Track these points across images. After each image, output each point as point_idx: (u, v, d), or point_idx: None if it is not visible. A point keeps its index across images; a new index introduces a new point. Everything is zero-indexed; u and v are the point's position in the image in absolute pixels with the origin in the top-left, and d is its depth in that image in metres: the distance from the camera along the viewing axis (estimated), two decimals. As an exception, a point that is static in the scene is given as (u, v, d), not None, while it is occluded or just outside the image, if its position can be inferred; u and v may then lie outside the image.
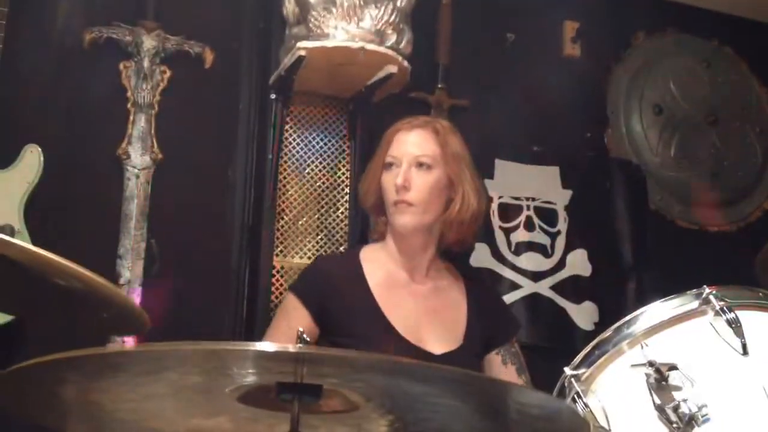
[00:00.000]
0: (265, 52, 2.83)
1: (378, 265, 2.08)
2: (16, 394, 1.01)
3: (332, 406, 1.10)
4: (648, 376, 1.24)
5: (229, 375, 1.01)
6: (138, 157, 2.71)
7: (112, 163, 2.68)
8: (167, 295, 2.60)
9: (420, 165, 2.05)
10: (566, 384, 1.36)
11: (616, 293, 3.22)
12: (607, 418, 1.30)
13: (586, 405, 1.30)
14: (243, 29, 2.89)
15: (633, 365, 1.27)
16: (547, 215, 3.19)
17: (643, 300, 3.13)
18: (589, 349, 1.38)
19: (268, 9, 2.82)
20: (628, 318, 1.35)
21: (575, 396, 1.32)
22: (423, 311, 2.04)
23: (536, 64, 3.24)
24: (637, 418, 1.28)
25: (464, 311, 2.09)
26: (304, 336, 1.06)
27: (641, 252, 3.27)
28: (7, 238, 1.35)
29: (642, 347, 1.28)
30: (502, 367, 2.08)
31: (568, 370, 1.37)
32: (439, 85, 3.09)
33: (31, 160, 2.49)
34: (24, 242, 2.05)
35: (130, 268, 2.61)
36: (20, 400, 1.04)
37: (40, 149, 2.51)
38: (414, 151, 2.06)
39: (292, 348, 0.92)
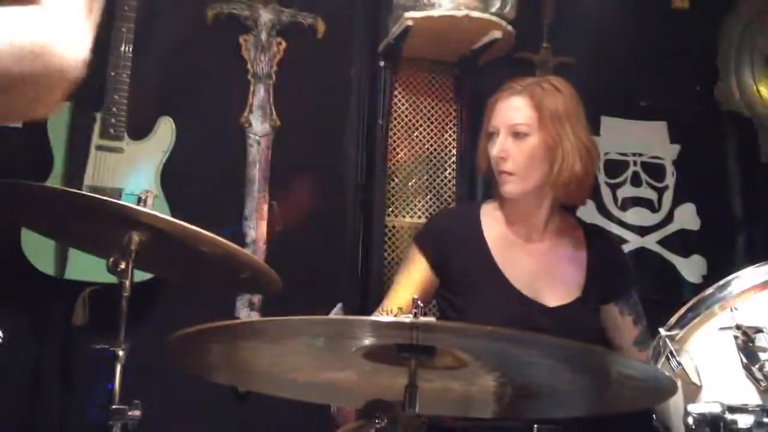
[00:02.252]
0: (374, 21, 2.94)
1: (496, 222, 2.18)
2: (183, 354, 1.21)
3: (445, 363, 1.25)
4: (736, 338, 1.33)
5: (354, 339, 1.17)
6: (258, 125, 2.90)
7: (235, 131, 2.89)
8: (288, 252, 2.81)
9: (516, 134, 2.09)
10: (661, 343, 1.46)
11: (726, 247, 3.22)
12: (698, 375, 1.40)
13: (679, 363, 1.40)
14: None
15: (721, 328, 1.36)
16: (655, 170, 3.21)
17: (752, 253, 3.14)
18: (683, 312, 1.46)
19: (377, -22, 2.93)
20: (721, 282, 1.43)
21: (669, 354, 1.42)
22: (539, 266, 2.13)
23: (644, 17, 3.22)
24: (726, 376, 1.37)
25: (583, 265, 2.16)
26: (419, 302, 1.20)
27: (751, 205, 3.25)
28: (168, 217, 1.55)
29: (731, 311, 1.36)
30: (620, 318, 2.16)
31: (663, 331, 1.46)
32: (544, 44, 3.14)
33: (165, 131, 2.73)
34: (163, 210, 2.28)
35: (255, 228, 2.83)
36: (187, 359, 1.24)
37: (172, 120, 2.73)
38: (510, 119, 2.10)
39: (406, 319, 1.07)
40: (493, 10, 2.61)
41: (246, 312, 2.76)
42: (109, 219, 1.63)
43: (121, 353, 1.61)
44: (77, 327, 2.57)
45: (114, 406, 1.56)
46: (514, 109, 2.10)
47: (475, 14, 2.56)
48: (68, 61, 0.66)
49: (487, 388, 1.37)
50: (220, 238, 1.61)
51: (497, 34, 2.63)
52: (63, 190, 1.80)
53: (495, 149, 2.08)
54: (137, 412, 1.57)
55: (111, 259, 1.64)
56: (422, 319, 1.12)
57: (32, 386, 2.57)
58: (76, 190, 2.02)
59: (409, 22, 2.60)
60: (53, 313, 2.60)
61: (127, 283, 1.64)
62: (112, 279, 2.47)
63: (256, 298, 2.77)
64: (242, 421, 2.71)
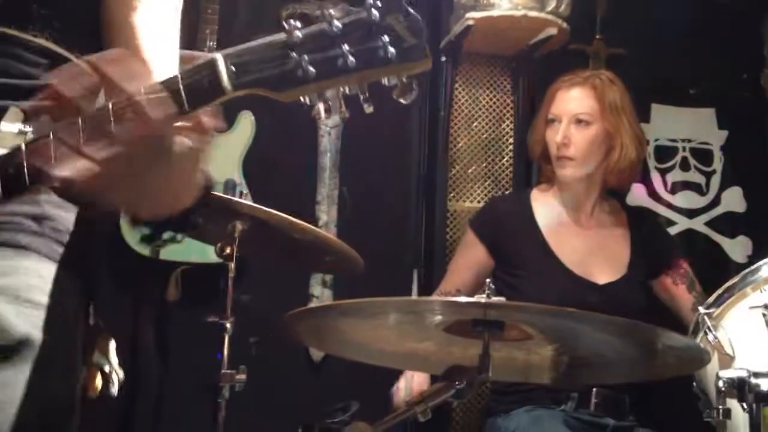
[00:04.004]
0: (434, 19, 3.15)
1: (547, 206, 2.40)
2: (296, 328, 1.46)
3: (512, 335, 1.48)
4: (764, 315, 1.54)
5: (435, 315, 1.41)
6: (328, 117, 3.14)
7: (308, 123, 3.13)
8: (356, 234, 3.06)
9: (579, 122, 2.31)
10: (700, 320, 1.67)
11: (771, 227, 3.37)
12: (732, 347, 1.60)
13: (715, 337, 1.61)
14: (415, -3, 3.22)
15: (752, 307, 1.56)
16: (703, 155, 3.37)
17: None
18: (720, 292, 1.67)
19: (438, -21, 3.13)
20: (753, 267, 1.63)
21: (707, 330, 1.63)
22: (588, 247, 2.35)
23: (693, 9, 3.36)
24: (755, 347, 1.58)
25: (628, 243, 2.38)
26: (491, 285, 1.43)
27: (796, 188, 3.38)
28: (266, 208, 1.80)
29: (761, 292, 1.57)
30: (673, 287, 2.37)
31: (702, 309, 1.67)
32: (597, 36, 3.30)
33: (246, 124, 2.98)
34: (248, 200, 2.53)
35: (326, 212, 3.08)
36: (297, 332, 1.49)
37: (251, 114, 2.99)
38: (573, 108, 2.32)
39: (481, 299, 1.30)
40: (549, 9, 2.80)
41: (319, 289, 3.02)
42: (217, 210, 1.88)
43: (228, 325, 1.87)
44: (171, 302, 2.87)
45: (224, 371, 1.83)
46: (576, 99, 2.31)
47: (532, 14, 2.76)
48: None
49: (547, 357, 1.60)
50: (311, 226, 1.86)
51: (552, 31, 2.82)
52: None
53: (559, 135, 2.29)
54: (243, 376, 1.83)
55: (218, 245, 1.90)
56: (494, 299, 1.36)
57: (132, 356, 2.88)
58: None
59: (470, 22, 2.80)
60: (150, 290, 2.90)
61: (232, 265, 1.89)
62: (199, 259, 2.78)
63: (328, 277, 3.03)
64: (316, 386, 2.97)
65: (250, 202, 1.88)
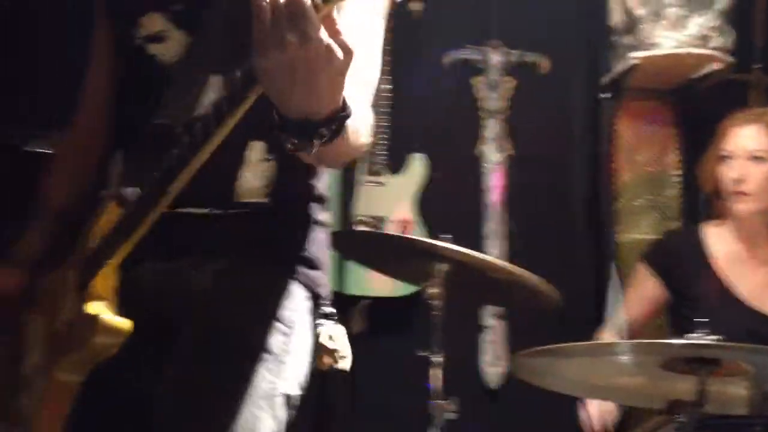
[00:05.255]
0: (594, 57, 3.27)
1: (721, 241, 2.46)
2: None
3: (725, 371, 1.58)
4: None
5: (652, 355, 1.53)
6: (492, 154, 3.31)
7: (472, 160, 3.31)
8: (525, 268, 3.19)
9: (754, 158, 2.38)
10: None
11: None
12: None
13: None
14: (573, 38, 3.35)
15: None
16: None
17: None
18: None
19: (595, 20, 3.25)
20: None
21: None
22: (765, 280, 2.40)
23: None
24: None
25: None
26: (701, 323, 1.54)
27: None
28: (466, 250, 1.97)
29: None
30: None
31: None
32: (756, 66, 3.32)
33: (417, 166, 3.19)
34: (422, 233, 2.71)
35: (495, 247, 3.24)
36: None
37: (423, 156, 3.19)
38: (748, 145, 2.39)
39: (703, 340, 1.42)
40: (713, 45, 2.87)
41: (491, 320, 3.18)
42: (420, 251, 2.07)
43: (436, 359, 2.04)
44: (355, 334, 3.08)
45: (435, 401, 2.01)
46: (750, 137, 2.38)
47: (697, 51, 2.84)
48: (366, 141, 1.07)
49: (743, 389, 1.69)
50: (511, 266, 2.02)
51: (716, 65, 2.89)
52: (387, 235, 2.29)
53: (733, 172, 2.36)
54: (453, 407, 2.00)
55: (424, 285, 2.08)
56: (710, 338, 1.47)
57: (321, 384, 3.11)
58: (398, 234, 2.50)
59: (634, 61, 2.91)
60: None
61: (438, 304, 2.07)
62: (380, 293, 2.99)
63: (501, 309, 3.18)
64: (493, 416, 3.11)
65: (451, 245, 2.05)
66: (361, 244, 2.06)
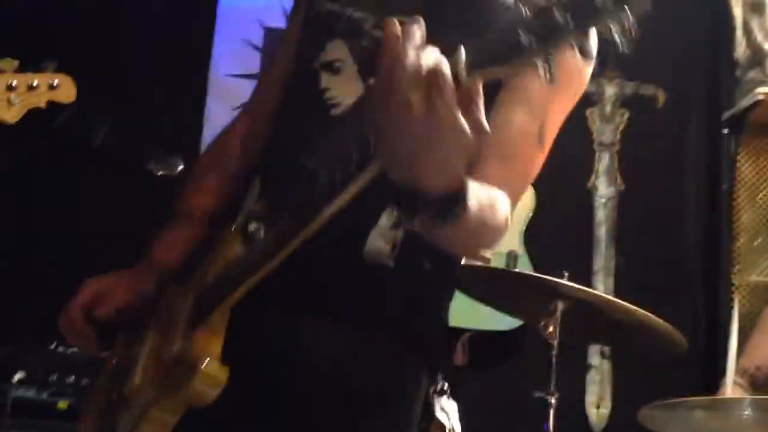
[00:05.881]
0: (715, 90, 3.16)
1: None
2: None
3: None
4: None
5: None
6: (605, 189, 3.22)
7: (584, 194, 3.23)
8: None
9: None
10: None
11: None
12: None
13: None
14: (692, 70, 3.25)
15: None
16: None
17: None
18: None
19: (717, 53, 3.15)
20: None
21: None
22: None
23: None
24: None
25: None
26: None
27: None
28: (587, 288, 1.91)
29: None
30: None
31: None
32: None
33: (527, 198, 3.13)
34: (526, 266, 2.66)
35: (603, 282, 3.14)
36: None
37: (532, 188, 3.13)
38: None
39: None
40: None
41: (597, 359, 3.08)
42: (538, 289, 2.02)
43: (553, 400, 1.98)
44: (458, 366, 3.03)
45: (549, 443, 1.94)
46: None
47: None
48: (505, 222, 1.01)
49: None
50: (634, 307, 1.94)
51: None
52: (506, 271, 2.25)
53: None
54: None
55: (541, 323, 2.03)
56: None
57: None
58: (514, 270, 2.46)
59: (761, 96, 2.79)
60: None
61: (555, 343, 2.01)
62: (481, 326, 2.94)
63: (606, 348, 3.08)
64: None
65: (569, 282, 2.00)
66: (470, 278, 2.02)
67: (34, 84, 1.38)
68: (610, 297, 1.97)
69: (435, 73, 0.77)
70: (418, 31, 0.79)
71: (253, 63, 3.38)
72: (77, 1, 3.25)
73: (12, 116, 1.38)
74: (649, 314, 1.95)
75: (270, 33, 3.40)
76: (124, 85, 3.14)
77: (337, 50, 1.14)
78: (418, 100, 0.77)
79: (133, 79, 3.17)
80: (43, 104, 1.45)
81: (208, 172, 1.34)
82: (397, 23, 0.80)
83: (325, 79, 1.14)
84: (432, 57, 0.78)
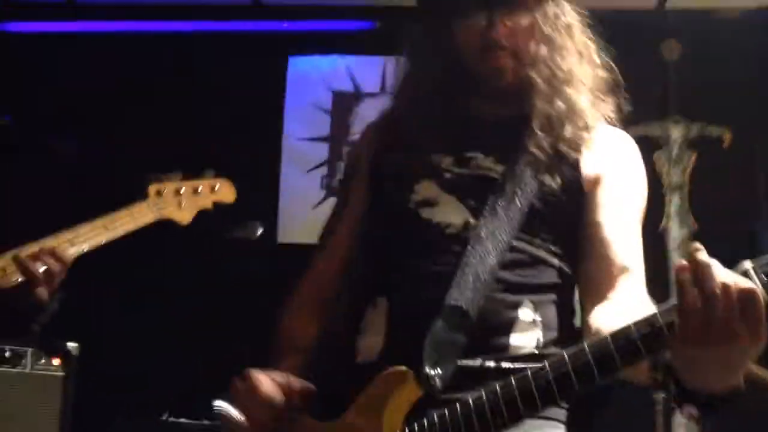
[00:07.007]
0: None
1: None
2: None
3: None
4: None
5: None
6: (677, 231, 3.24)
7: (655, 238, 3.25)
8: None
9: None
10: None
11: None
12: None
13: None
14: (756, 108, 3.26)
15: None
16: None
17: None
18: None
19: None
20: None
21: None
22: None
23: None
24: None
25: None
26: None
27: None
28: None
29: None
30: None
31: None
32: None
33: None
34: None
35: (682, 325, 3.15)
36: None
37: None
38: None
39: None
40: None
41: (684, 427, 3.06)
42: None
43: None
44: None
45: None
46: None
47: None
48: None
49: None
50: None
51: None
52: None
53: None
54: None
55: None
56: None
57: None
58: None
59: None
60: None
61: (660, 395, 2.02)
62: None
63: (695, 411, 3.05)
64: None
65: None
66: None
67: (199, 189, 1.49)
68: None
69: (750, 295, 0.88)
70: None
71: (322, 126, 3.47)
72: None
73: (184, 218, 1.49)
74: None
75: (337, 96, 3.49)
76: (201, 154, 3.24)
77: (428, 189, 1.29)
78: (744, 330, 0.88)
79: (211, 146, 3.25)
80: (209, 206, 1.56)
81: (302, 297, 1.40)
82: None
83: (425, 212, 1.27)
84: (743, 280, 0.90)
